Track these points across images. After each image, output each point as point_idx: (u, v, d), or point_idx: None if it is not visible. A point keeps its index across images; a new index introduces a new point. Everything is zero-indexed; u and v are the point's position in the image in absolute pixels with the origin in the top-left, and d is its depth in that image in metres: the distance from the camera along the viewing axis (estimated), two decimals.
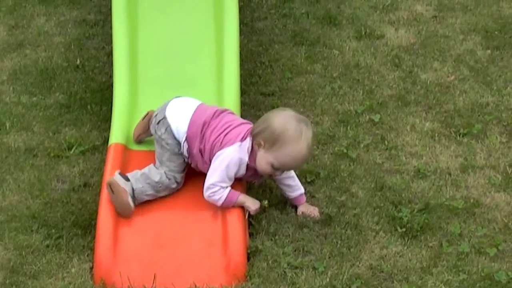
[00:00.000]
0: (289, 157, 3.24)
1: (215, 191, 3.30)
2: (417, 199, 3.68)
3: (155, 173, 3.43)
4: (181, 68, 4.09)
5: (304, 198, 3.56)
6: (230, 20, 4.19)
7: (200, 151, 3.41)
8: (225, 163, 3.31)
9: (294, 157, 3.25)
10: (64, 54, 4.85)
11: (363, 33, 5.02)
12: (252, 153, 3.32)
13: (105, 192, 3.45)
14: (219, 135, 3.37)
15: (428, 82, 4.57)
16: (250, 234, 3.45)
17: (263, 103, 4.36)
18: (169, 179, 3.42)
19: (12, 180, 3.85)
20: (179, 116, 3.48)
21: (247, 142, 3.34)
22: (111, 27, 4.28)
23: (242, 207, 3.37)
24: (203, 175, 3.46)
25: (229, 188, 3.32)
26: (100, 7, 5.33)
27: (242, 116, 3.88)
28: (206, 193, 3.33)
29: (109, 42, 4.61)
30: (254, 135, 3.31)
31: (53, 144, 4.08)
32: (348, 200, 3.67)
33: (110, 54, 4.57)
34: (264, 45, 4.90)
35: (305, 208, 3.53)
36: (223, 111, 3.52)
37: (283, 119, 3.28)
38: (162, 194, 3.47)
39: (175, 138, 3.46)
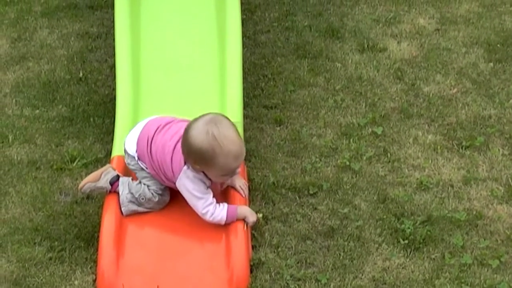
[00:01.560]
0: (226, 164, 3.24)
1: (213, 213, 3.34)
2: (420, 211, 3.71)
3: (136, 186, 3.49)
4: (183, 81, 4.13)
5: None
6: (233, 33, 4.23)
7: (156, 169, 3.44)
8: (189, 191, 3.33)
9: (230, 161, 3.24)
10: (66, 66, 4.89)
11: (366, 46, 5.07)
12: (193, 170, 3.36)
13: (107, 205, 3.48)
14: (163, 157, 3.39)
15: (431, 95, 4.60)
16: (253, 247, 3.48)
17: (266, 116, 4.40)
18: (152, 193, 3.46)
19: (15, 193, 3.88)
20: (130, 136, 3.55)
21: (187, 173, 3.38)
22: (113, 40, 4.32)
23: (243, 219, 3.40)
24: None
25: (225, 205, 3.35)
26: (103, 20, 5.38)
27: (245, 130, 3.93)
28: (207, 220, 3.38)
29: (112, 55, 4.64)
30: (186, 161, 3.32)
31: (56, 157, 4.12)
32: (350, 212, 3.70)
33: (112, 67, 4.61)
34: (267, 58, 4.94)
35: (236, 181, 3.50)
36: (169, 122, 3.50)
37: (194, 138, 3.24)
38: (148, 206, 3.48)
39: (134, 158, 3.51)
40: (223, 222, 3.35)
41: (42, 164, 4.07)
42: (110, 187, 3.53)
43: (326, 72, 4.81)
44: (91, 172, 3.90)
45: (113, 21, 4.40)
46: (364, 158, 4.07)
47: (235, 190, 3.49)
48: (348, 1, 5.62)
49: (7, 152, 4.17)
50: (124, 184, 3.50)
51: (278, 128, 4.32)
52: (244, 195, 3.48)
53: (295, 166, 4.02)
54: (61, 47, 5.10)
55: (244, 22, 4.34)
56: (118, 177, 3.55)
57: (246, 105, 4.25)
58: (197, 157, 3.23)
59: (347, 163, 4.02)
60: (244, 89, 4.11)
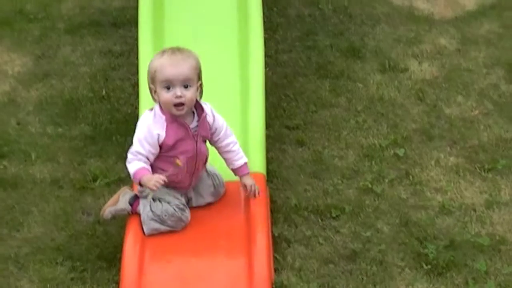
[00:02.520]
0: (157, 66, 3.29)
1: (129, 160, 3.39)
2: (442, 235, 3.68)
3: (158, 204, 3.47)
4: (205, 100, 4.09)
5: (247, 168, 3.52)
6: (256, 53, 4.21)
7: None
8: (136, 130, 3.38)
9: (161, 63, 3.29)
10: (89, 84, 4.90)
11: (387, 66, 5.05)
12: (161, 108, 3.35)
13: (129, 225, 3.47)
14: None
15: (452, 117, 4.58)
16: (275, 270, 3.46)
17: (288, 136, 4.39)
18: (174, 209, 3.44)
19: (38, 212, 3.88)
20: None
21: (156, 106, 3.39)
22: (136, 58, 4.33)
23: (270, 242, 3.36)
24: (229, 208, 3.52)
25: (142, 165, 3.35)
26: (126, 38, 5.39)
27: (267, 151, 3.90)
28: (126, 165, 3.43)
29: (135, 73, 4.66)
30: (150, 90, 3.39)
31: (78, 176, 4.11)
32: (373, 236, 3.68)
33: (135, 85, 4.63)
34: (288, 77, 4.93)
35: (248, 181, 3.49)
36: None
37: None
38: (170, 224, 3.45)
39: None
40: (132, 176, 3.40)
41: (64, 183, 4.07)
42: (130, 207, 3.53)
43: (348, 92, 4.79)
44: (113, 192, 3.91)
45: (136, 39, 4.40)
46: (386, 180, 4.04)
47: (250, 198, 3.50)
48: (369, 20, 5.62)
49: (30, 171, 4.17)
50: (145, 203, 3.49)
51: (300, 149, 4.30)
52: (254, 194, 3.46)
53: (317, 188, 4.00)
54: (84, 65, 5.11)
55: (265, 41, 4.31)
56: (136, 196, 3.54)
57: (268, 125, 4.22)
58: (149, 73, 3.34)
59: (369, 185, 3.99)
60: (265, 109, 4.07)
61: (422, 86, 4.87)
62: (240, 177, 3.51)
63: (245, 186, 3.49)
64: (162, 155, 3.38)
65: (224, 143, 3.49)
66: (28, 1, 5.93)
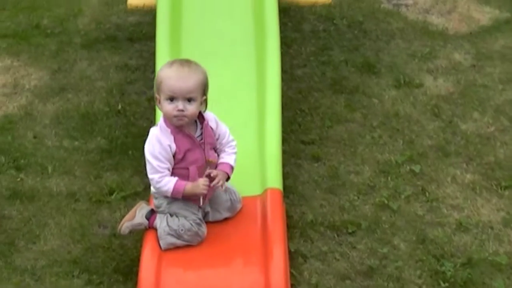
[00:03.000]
0: (164, 77, 3.29)
1: (157, 180, 3.34)
2: (460, 253, 3.65)
3: (174, 219, 3.46)
4: (222, 116, 4.07)
5: (229, 170, 3.46)
6: (272, 68, 4.23)
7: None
8: (147, 150, 3.35)
9: (167, 74, 3.29)
10: (105, 98, 4.91)
11: (402, 81, 5.05)
12: (165, 120, 3.36)
13: (147, 239, 3.47)
14: None
15: (468, 133, 4.56)
16: (292, 285, 3.43)
17: (303, 151, 4.38)
18: (190, 223, 3.43)
19: (54, 225, 3.89)
20: None
21: (160, 119, 3.40)
22: (153, 72, 4.35)
23: (287, 257, 3.35)
24: (245, 223, 3.51)
25: (175, 179, 3.34)
26: (142, 52, 5.41)
27: (282, 166, 3.88)
28: (155, 188, 3.41)
29: (150, 87, 4.68)
30: (155, 98, 3.41)
31: (95, 189, 4.12)
32: (390, 252, 3.66)
33: (151, 99, 4.65)
34: (303, 92, 4.94)
35: (216, 171, 3.43)
36: None
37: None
38: (186, 238, 3.44)
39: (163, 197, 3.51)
40: (169, 194, 3.37)
41: (81, 196, 4.08)
42: (147, 222, 3.52)
43: (363, 107, 4.79)
44: (129, 205, 3.92)
45: (152, 54, 4.42)
46: (403, 196, 4.03)
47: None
48: (383, 36, 5.63)
49: (47, 184, 4.18)
50: (161, 218, 3.49)
51: (315, 165, 4.29)
52: (214, 182, 3.42)
53: (333, 204, 3.98)
54: (100, 79, 5.13)
55: (280, 56, 4.34)
56: (153, 211, 3.54)
57: (283, 140, 4.19)
58: (156, 82, 3.36)
59: (386, 201, 3.98)
60: (281, 124, 4.07)
61: (437, 101, 4.86)
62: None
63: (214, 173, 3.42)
64: (173, 169, 3.38)
65: (224, 147, 3.51)
66: (44, 16, 5.98)
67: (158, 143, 3.32)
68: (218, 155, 3.50)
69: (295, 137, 4.49)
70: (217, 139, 3.48)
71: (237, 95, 4.24)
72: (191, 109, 3.29)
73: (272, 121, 3.99)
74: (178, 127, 3.33)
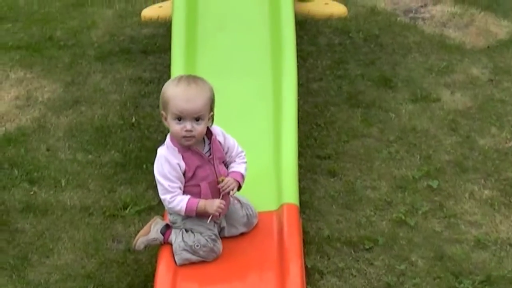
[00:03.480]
0: (170, 96, 3.29)
1: (170, 200, 3.36)
2: (478, 270, 3.65)
3: (190, 235, 3.48)
4: (237, 130, 4.09)
5: (241, 178, 3.47)
6: (289, 81, 4.26)
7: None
8: (156, 171, 3.37)
9: (174, 94, 3.28)
10: (119, 111, 4.95)
11: (419, 96, 5.06)
12: (172, 139, 3.38)
13: (162, 255, 3.49)
14: None
15: (486, 148, 4.56)
16: None
17: (320, 166, 4.39)
18: (206, 239, 3.45)
19: (68, 239, 3.90)
20: None
21: (167, 138, 3.42)
22: None
23: (303, 273, 3.35)
24: (261, 238, 3.53)
25: (187, 197, 3.36)
26: (156, 65, 5.44)
27: (299, 181, 3.90)
28: (167, 208, 3.44)
29: None
30: (160, 115, 3.40)
31: (109, 203, 4.14)
32: (407, 269, 3.65)
33: None
34: (319, 106, 4.96)
35: (227, 179, 3.44)
36: None
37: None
38: (202, 254, 3.46)
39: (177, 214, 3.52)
40: (183, 213, 3.39)
41: (94, 210, 4.10)
42: (162, 237, 3.54)
43: (380, 122, 4.80)
44: (144, 220, 3.95)
45: (167, 67, 4.45)
46: (420, 212, 4.03)
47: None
48: (400, 50, 5.64)
49: (60, 197, 4.20)
50: (177, 233, 3.50)
51: (332, 180, 4.30)
52: (224, 188, 3.42)
53: (349, 219, 3.99)
54: (114, 92, 5.17)
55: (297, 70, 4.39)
56: (168, 226, 3.56)
57: (299, 155, 4.19)
58: (162, 98, 3.35)
59: (403, 217, 3.98)
60: (297, 138, 4.09)
61: (454, 116, 4.86)
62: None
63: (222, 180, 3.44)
64: (184, 186, 3.40)
65: (234, 159, 3.53)
66: (58, 28, 6.03)
67: (167, 163, 3.35)
68: (226, 168, 3.51)
69: (311, 151, 4.51)
70: (226, 153, 3.50)
71: (253, 109, 4.26)
72: (200, 128, 3.31)
73: (288, 135, 4.00)
74: (186, 145, 3.36)
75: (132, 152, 4.54)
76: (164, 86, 3.37)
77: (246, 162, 3.53)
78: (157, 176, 3.37)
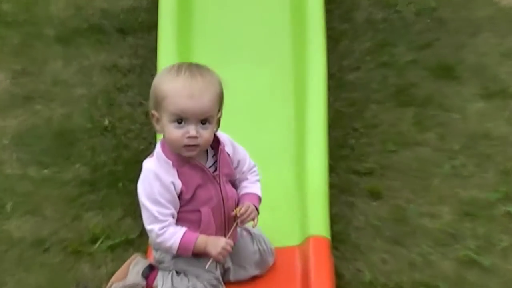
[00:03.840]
0: (168, 91, 3.26)
1: (158, 233, 3.30)
2: None
3: (183, 279, 3.47)
4: (247, 138, 4.07)
5: (256, 201, 3.47)
6: (315, 71, 4.29)
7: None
8: (142, 192, 3.32)
9: (174, 88, 3.25)
10: (87, 111, 4.94)
11: (493, 90, 5.06)
12: (164, 148, 3.33)
13: None
14: None
15: None
16: None
17: (358, 185, 4.37)
18: (204, 285, 3.44)
19: (14, 283, 3.86)
20: None
21: (157, 147, 3.38)
22: (153, 76, 4.29)
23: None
24: (279, 284, 3.53)
25: (183, 230, 3.32)
26: (137, 49, 5.47)
27: (330, 204, 3.89)
28: (154, 242, 3.38)
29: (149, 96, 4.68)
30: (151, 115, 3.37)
31: (72, 235, 4.11)
32: None
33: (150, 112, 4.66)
34: (357, 105, 4.96)
35: (246, 206, 3.42)
36: None
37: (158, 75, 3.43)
38: None
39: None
40: (174, 251, 3.34)
41: (52, 244, 4.06)
42: (144, 282, 3.52)
43: (439, 126, 4.80)
44: (118, 258, 3.92)
45: (153, 50, 4.46)
46: (497, 249, 3.98)
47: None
48: (466, 27, 5.67)
49: (5, 227, 4.17)
50: (164, 276, 3.47)
51: (374, 203, 4.28)
52: (246, 219, 3.42)
53: (399, 258, 3.95)
54: (80, 85, 5.17)
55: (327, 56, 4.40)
56: (152, 267, 3.54)
57: (330, 170, 4.18)
58: (153, 93, 3.34)
59: (473, 255, 3.94)
60: (328, 147, 4.09)
61: None
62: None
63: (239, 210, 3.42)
64: (179, 212, 3.36)
65: (246, 175, 3.53)
66: None
67: (157, 181, 3.30)
68: (237, 188, 3.51)
69: (346, 165, 4.49)
70: (236, 168, 3.49)
71: (269, 109, 4.30)
72: (206, 134, 3.27)
73: (315, 145, 4.02)
74: (185, 157, 3.31)
75: (104, 166, 4.52)
76: (156, 78, 3.35)
77: (259, 180, 3.54)
78: (143, 199, 3.31)
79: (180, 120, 3.26)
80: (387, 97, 5.03)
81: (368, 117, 4.87)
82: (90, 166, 4.53)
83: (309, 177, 3.90)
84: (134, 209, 4.17)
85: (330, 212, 3.84)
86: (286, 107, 4.28)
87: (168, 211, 3.30)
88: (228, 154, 3.45)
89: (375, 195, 4.33)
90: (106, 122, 4.86)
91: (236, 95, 4.23)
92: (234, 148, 3.49)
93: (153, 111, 3.32)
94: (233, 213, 3.39)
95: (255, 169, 3.54)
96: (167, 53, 4.35)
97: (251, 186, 3.50)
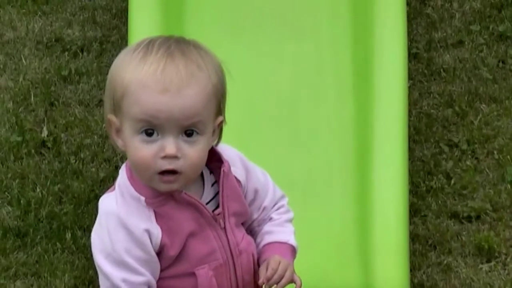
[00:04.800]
0: (130, 85, 3.15)
1: None
2: None
3: None
4: (282, 163, 4.24)
5: (288, 253, 3.44)
6: (388, 50, 4.37)
7: None
8: (98, 248, 3.28)
9: (140, 76, 3.16)
10: (14, 114, 5.05)
11: None
12: (132, 175, 3.25)
13: None
14: None
15: None
16: None
17: (458, 236, 4.44)
18: None
19: None
20: None
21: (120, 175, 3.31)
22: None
23: None
24: None
25: None
26: (94, 11, 5.56)
27: (412, 252, 4.04)
28: None
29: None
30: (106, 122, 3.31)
31: None
32: None
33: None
34: (455, 105, 5.04)
35: (273, 263, 3.37)
36: None
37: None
38: None
39: None
40: None
41: None
42: None
43: None
44: None
45: (122, 14, 4.72)
46: None
47: None
48: None
49: None
50: None
51: (485, 267, 4.35)
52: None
53: None
54: (0, 72, 5.29)
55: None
56: None
57: (413, 210, 4.33)
58: (108, 94, 3.23)
59: None
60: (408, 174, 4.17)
61: None
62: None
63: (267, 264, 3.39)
64: (160, 279, 3.33)
65: (269, 213, 3.50)
66: None
67: (122, 231, 3.27)
68: (255, 236, 3.50)
69: (437, 204, 4.56)
70: (253, 201, 3.44)
71: (311, 113, 4.36)
72: (193, 152, 3.19)
73: (387, 170, 4.10)
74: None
75: (40, 207, 4.60)
76: (115, 62, 3.22)
77: (292, 219, 3.49)
78: (100, 260, 3.27)
79: (150, 129, 3.23)
80: (508, 91, 5.13)
81: (475, 125, 4.95)
82: (17, 206, 4.62)
83: (378, 222, 3.98)
84: (89, 276, 4.27)
85: (412, 279, 3.93)
86: (341, 107, 4.36)
87: (141, 279, 3.25)
88: (238, 180, 3.41)
89: (486, 253, 4.38)
90: (44, 133, 4.95)
91: (256, 89, 4.32)
92: (247, 171, 3.43)
93: (110, 116, 3.30)
94: (260, 281, 3.35)
95: (283, 202, 3.49)
96: (143, 18, 4.42)
97: (278, 230, 3.46)
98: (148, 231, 3.22)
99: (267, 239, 3.42)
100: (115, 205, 3.26)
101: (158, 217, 3.25)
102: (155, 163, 3.14)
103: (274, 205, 3.45)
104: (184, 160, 3.14)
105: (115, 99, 3.18)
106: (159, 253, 3.27)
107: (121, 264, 3.26)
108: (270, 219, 3.46)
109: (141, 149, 3.15)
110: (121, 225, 3.24)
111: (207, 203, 3.30)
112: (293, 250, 3.42)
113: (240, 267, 3.36)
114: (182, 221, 3.28)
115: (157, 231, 3.22)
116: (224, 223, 3.32)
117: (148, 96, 3.14)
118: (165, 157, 3.12)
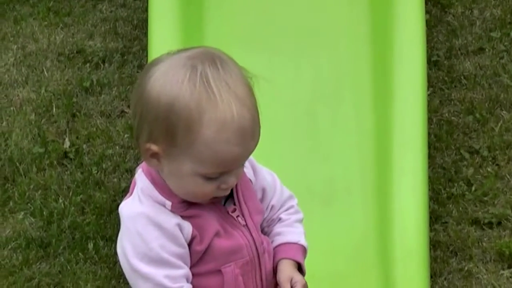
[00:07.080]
0: (215, 142, 3.07)
1: None
2: None
3: None
4: (300, 170, 4.27)
5: (299, 254, 3.44)
6: (407, 56, 4.38)
7: None
8: (130, 250, 3.24)
9: (229, 137, 3.09)
10: (35, 127, 5.06)
11: None
12: (154, 181, 3.23)
13: None
14: None
15: None
16: None
17: (479, 243, 4.43)
18: None
19: None
20: None
21: (141, 178, 3.26)
22: (139, 67, 4.44)
23: None
24: None
25: None
26: (116, 23, 5.59)
27: (433, 270, 4.03)
28: None
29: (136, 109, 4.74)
30: (138, 144, 3.15)
31: None
32: None
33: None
34: (476, 111, 5.04)
35: (294, 274, 3.36)
36: None
37: (159, 84, 3.05)
38: None
39: None
40: None
41: None
42: None
43: None
44: None
45: (143, 24, 4.73)
46: None
47: None
48: None
49: None
50: None
51: (506, 273, 4.34)
52: None
53: None
54: (22, 84, 5.31)
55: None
56: None
57: (433, 217, 4.33)
58: (161, 121, 3.07)
59: None
60: (429, 182, 4.17)
61: None
62: (280, 260, 3.41)
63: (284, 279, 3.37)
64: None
65: (277, 213, 3.50)
66: None
67: (154, 228, 3.24)
68: (266, 233, 3.48)
69: (458, 211, 4.56)
70: (260, 200, 3.44)
71: (329, 121, 4.39)
72: (242, 172, 3.28)
73: (407, 177, 4.11)
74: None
75: (63, 217, 4.62)
76: (161, 83, 3.04)
77: (302, 220, 3.50)
78: (135, 264, 3.22)
79: (216, 176, 3.26)
80: None
81: (496, 132, 4.95)
82: (40, 217, 4.63)
83: (398, 229, 3.99)
84: (111, 286, 4.27)
85: (433, 286, 3.95)
86: (361, 116, 4.39)
87: (181, 272, 3.23)
88: (250, 179, 3.43)
89: (507, 259, 4.38)
90: (66, 144, 4.97)
91: (276, 101, 4.36)
92: (255, 170, 3.44)
93: (150, 145, 3.15)
94: None
95: (292, 203, 3.50)
96: (163, 29, 4.43)
97: (288, 231, 3.46)
98: (179, 225, 3.22)
99: (278, 240, 3.43)
100: (140, 206, 3.24)
101: (185, 218, 3.25)
102: (214, 194, 3.17)
103: (282, 205, 3.47)
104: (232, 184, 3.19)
105: (169, 127, 3.06)
106: (189, 246, 3.28)
107: (159, 261, 3.24)
108: (279, 219, 3.47)
109: (202, 186, 3.14)
110: (151, 223, 3.21)
111: (224, 204, 3.32)
112: (304, 250, 3.44)
113: (264, 266, 3.38)
114: (209, 219, 3.28)
115: (187, 225, 3.22)
116: (246, 221, 3.33)
117: (227, 146, 3.09)
118: (222, 189, 3.15)
